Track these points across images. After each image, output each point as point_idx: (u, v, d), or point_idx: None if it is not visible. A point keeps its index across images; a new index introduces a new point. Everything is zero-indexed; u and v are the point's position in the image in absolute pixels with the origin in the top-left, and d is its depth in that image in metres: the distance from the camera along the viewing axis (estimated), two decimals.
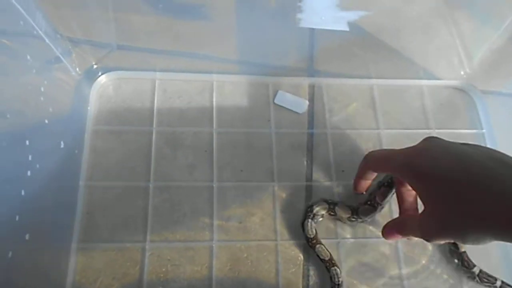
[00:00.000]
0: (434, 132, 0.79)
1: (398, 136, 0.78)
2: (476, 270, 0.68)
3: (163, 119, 0.74)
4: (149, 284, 0.64)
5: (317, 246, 0.67)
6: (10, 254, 0.45)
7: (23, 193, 0.47)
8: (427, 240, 0.51)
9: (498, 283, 0.67)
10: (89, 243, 0.65)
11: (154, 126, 0.73)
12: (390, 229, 0.58)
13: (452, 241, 0.55)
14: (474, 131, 0.80)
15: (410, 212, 0.60)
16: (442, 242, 0.61)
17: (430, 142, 0.53)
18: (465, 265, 0.68)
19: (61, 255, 0.61)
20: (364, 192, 0.68)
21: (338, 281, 0.65)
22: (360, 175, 0.64)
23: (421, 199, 0.51)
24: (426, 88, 0.83)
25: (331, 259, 0.66)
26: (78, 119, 0.69)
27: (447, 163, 0.48)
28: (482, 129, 0.80)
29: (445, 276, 0.69)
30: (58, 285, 0.60)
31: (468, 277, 0.69)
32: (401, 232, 0.56)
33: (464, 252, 0.69)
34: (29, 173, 0.49)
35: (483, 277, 0.68)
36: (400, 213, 0.62)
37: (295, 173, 0.73)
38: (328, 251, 0.66)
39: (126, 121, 0.73)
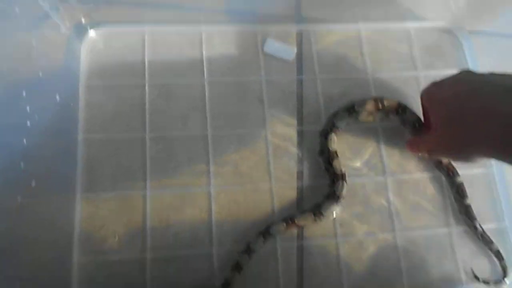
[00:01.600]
0: (422, 75, 0.81)
1: (386, 80, 0.80)
2: (467, 202, 0.72)
3: (154, 72, 0.75)
4: (153, 228, 0.67)
5: (335, 160, 0.70)
6: (19, 198, 0.47)
7: (25, 141, 0.49)
8: (430, 155, 0.67)
9: (478, 227, 0.71)
10: (92, 192, 0.68)
11: (146, 79, 0.74)
12: (409, 144, 0.70)
13: (447, 157, 0.68)
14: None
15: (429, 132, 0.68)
16: (440, 157, 0.71)
17: (457, 73, 0.63)
18: (459, 194, 0.72)
19: (66, 204, 0.64)
20: None
21: (339, 194, 0.69)
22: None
23: (432, 119, 0.64)
24: (413, 30, 0.84)
25: (343, 175, 0.70)
26: (71, 74, 0.70)
27: (455, 90, 0.59)
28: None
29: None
30: (66, 233, 0.63)
31: (459, 209, 0.73)
32: (416, 148, 0.69)
33: (462, 183, 0.72)
34: (28, 123, 0.51)
35: (470, 213, 0.71)
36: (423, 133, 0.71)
37: (286, 119, 0.76)
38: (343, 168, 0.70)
39: (118, 75, 0.74)
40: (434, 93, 0.64)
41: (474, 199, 0.73)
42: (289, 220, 0.68)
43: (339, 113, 0.73)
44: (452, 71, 0.80)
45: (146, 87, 0.74)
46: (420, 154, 0.74)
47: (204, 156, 0.71)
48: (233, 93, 0.76)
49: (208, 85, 0.76)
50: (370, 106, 0.73)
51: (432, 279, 0.70)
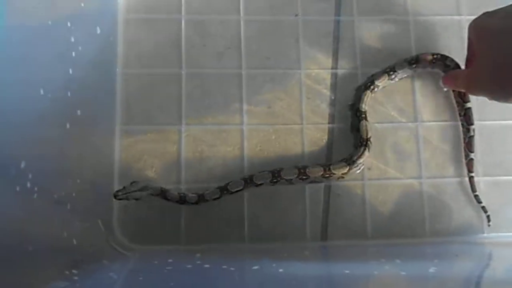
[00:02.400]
0: (465, 19, 0.77)
1: (427, 23, 0.77)
2: (472, 129, 0.72)
3: (191, 8, 0.75)
4: (187, 161, 0.70)
5: (362, 121, 0.70)
6: (67, 125, 0.50)
7: (70, 71, 0.51)
8: (468, 90, 0.63)
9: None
10: (130, 125, 0.70)
11: (183, 14, 0.74)
12: (447, 78, 0.68)
13: (486, 93, 0.60)
14: None
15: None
16: (477, 94, 0.66)
17: (510, 5, 0.59)
18: (466, 120, 0.72)
19: (107, 135, 0.67)
20: None
21: (360, 162, 0.69)
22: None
23: (477, 51, 0.60)
24: None
25: (368, 139, 0.69)
26: (110, 7, 0.71)
27: (508, 23, 0.55)
28: None
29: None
30: (108, 162, 0.67)
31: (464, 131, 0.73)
32: (453, 82, 0.67)
33: (470, 108, 0.72)
34: (73, 53, 0.52)
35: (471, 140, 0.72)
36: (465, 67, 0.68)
37: (321, 61, 0.75)
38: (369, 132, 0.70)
39: (156, 9, 0.74)
40: (485, 24, 0.59)
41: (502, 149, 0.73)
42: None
43: (377, 74, 0.73)
44: None
45: (183, 23, 0.74)
46: (455, 88, 0.71)
47: (238, 94, 0.73)
48: (269, 32, 0.75)
49: (244, 23, 0.75)
50: (407, 69, 0.72)
51: (454, 226, 0.72)
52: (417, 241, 0.71)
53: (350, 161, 0.69)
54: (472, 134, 0.72)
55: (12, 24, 0.40)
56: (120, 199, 0.61)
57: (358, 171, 0.70)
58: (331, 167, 0.68)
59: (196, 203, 0.66)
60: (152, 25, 0.74)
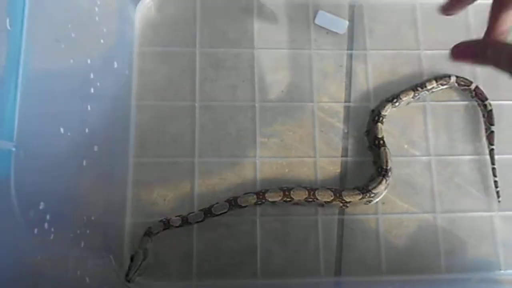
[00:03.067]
0: None
1: (439, 56, 0.77)
2: (488, 103, 0.74)
3: (205, 41, 0.75)
4: (200, 194, 0.70)
5: (382, 148, 0.70)
6: (84, 162, 0.50)
7: (89, 108, 0.51)
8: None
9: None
10: (143, 157, 0.70)
11: (197, 47, 0.75)
12: (463, 49, 0.45)
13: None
14: None
15: (496, 38, 0.52)
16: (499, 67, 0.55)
17: None
18: (479, 98, 0.74)
19: (121, 168, 0.67)
20: None
21: (375, 192, 0.68)
22: None
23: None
24: (471, 7, 0.79)
25: (388, 169, 0.69)
26: (126, 41, 0.71)
27: None
28: None
29: None
30: (121, 195, 0.67)
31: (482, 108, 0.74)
32: (477, 56, 0.49)
33: (491, 110, 0.74)
34: (92, 90, 0.52)
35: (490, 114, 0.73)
36: (486, 36, 0.54)
37: (334, 94, 0.75)
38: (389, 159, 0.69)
39: (170, 42, 0.75)
40: None
41: None
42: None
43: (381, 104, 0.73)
44: None
45: (197, 56, 0.75)
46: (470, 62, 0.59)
47: (251, 127, 0.73)
48: (282, 64, 0.76)
49: (258, 55, 0.76)
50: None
51: (470, 261, 0.70)
52: (433, 278, 0.69)
53: (364, 189, 0.68)
54: (490, 108, 0.73)
55: (35, 63, 0.40)
56: (134, 280, 0.60)
57: (371, 202, 0.69)
58: (342, 193, 0.67)
59: (180, 226, 0.65)
60: (166, 57, 0.74)
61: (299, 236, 0.69)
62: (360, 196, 0.68)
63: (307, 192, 0.67)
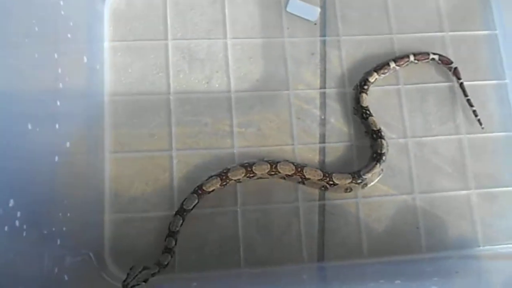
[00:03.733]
0: (448, 35, 0.79)
1: (411, 40, 0.78)
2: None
3: (177, 33, 0.75)
4: (180, 187, 0.69)
5: (369, 118, 0.71)
6: (56, 158, 0.49)
7: (58, 103, 0.51)
8: None
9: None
10: (119, 153, 0.69)
11: (169, 39, 0.74)
12: None
13: None
14: (488, 32, 0.80)
15: None
16: None
17: None
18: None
19: (97, 164, 0.66)
20: None
21: (381, 151, 0.69)
22: None
23: None
24: None
25: (380, 130, 0.70)
26: (96, 35, 0.70)
27: None
28: (495, 30, 0.80)
29: None
30: (98, 191, 0.66)
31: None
32: None
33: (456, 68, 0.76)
34: (61, 85, 0.51)
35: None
36: None
37: (309, 80, 0.76)
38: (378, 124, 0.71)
39: (142, 36, 0.74)
40: None
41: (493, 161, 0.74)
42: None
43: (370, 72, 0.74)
44: (480, 32, 0.80)
45: (169, 48, 0.74)
46: None
47: (227, 117, 0.72)
48: (256, 53, 0.75)
49: (231, 45, 0.75)
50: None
51: (450, 240, 0.72)
52: (414, 258, 0.70)
53: (355, 174, 0.68)
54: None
55: None
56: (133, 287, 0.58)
57: (362, 187, 0.70)
58: (333, 175, 0.68)
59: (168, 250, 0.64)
60: (138, 51, 0.74)
61: (280, 224, 0.70)
62: (350, 179, 0.68)
63: (294, 168, 0.67)
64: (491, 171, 0.74)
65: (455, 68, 0.76)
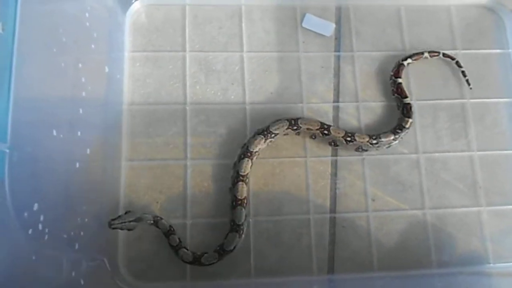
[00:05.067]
0: (461, 53, 0.80)
1: (425, 57, 0.79)
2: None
3: (195, 45, 0.77)
4: (193, 196, 0.70)
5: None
6: (77, 164, 0.50)
7: (81, 111, 0.52)
8: None
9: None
10: (135, 161, 0.71)
11: (187, 51, 0.76)
12: None
13: None
14: (501, 51, 0.81)
15: None
16: None
17: None
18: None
19: (113, 171, 0.67)
20: None
21: (405, 125, 0.72)
22: None
23: None
24: (454, 8, 0.83)
25: (411, 106, 0.72)
26: (117, 46, 0.72)
27: None
28: (508, 49, 0.81)
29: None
30: (113, 197, 0.67)
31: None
32: None
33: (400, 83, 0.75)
34: (84, 93, 0.53)
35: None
36: None
37: (323, 94, 0.77)
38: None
39: (160, 47, 0.76)
40: None
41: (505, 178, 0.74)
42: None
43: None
44: (493, 50, 0.81)
45: (187, 59, 0.76)
46: None
47: (242, 128, 0.73)
48: (271, 67, 0.77)
49: (247, 58, 0.77)
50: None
51: (460, 256, 0.72)
52: (424, 273, 0.70)
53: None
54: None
55: (27, 67, 0.41)
56: (114, 228, 0.60)
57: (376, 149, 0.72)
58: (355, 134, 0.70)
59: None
60: (157, 62, 0.75)
61: (291, 235, 0.70)
62: (368, 138, 0.71)
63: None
64: (502, 188, 0.74)
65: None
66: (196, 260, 0.64)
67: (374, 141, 0.72)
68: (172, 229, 0.65)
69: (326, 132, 0.71)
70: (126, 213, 0.63)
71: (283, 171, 0.73)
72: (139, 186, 0.70)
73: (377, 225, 0.72)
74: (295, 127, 0.71)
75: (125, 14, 0.76)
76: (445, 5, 0.82)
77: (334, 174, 0.74)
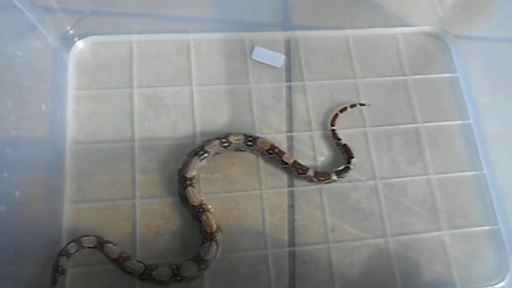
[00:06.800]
0: (410, 78, 0.81)
1: (375, 84, 0.80)
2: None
3: (142, 80, 0.75)
4: (142, 236, 0.66)
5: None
6: (2, 208, 0.47)
7: (7, 151, 0.49)
8: None
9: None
10: (80, 203, 0.67)
11: (135, 87, 0.74)
12: None
13: None
14: (449, 75, 0.83)
15: None
16: None
17: None
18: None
19: (54, 215, 0.63)
20: None
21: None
22: None
23: None
24: (401, 36, 0.85)
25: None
26: (59, 84, 0.70)
27: None
28: (456, 72, 0.83)
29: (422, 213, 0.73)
30: (55, 242, 0.63)
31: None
32: None
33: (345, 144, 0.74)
34: (13, 132, 0.50)
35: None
36: None
37: (276, 125, 0.76)
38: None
39: (107, 84, 0.74)
40: None
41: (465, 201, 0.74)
42: None
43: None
44: (440, 75, 0.82)
45: (134, 95, 0.74)
46: None
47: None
48: (222, 99, 0.76)
49: (197, 92, 0.76)
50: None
51: (426, 283, 0.69)
52: None
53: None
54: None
55: None
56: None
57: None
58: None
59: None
60: (103, 99, 0.74)
61: (249, 272, 0.67)
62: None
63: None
64: (463, 210, 0.74)
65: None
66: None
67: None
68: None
69: (250, 143, 0.70)
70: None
71: (238, 205, 0.70)
72: (84, 230, 0.65)
73: (339, 257, 0.69)
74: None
75: (68, 52, 0.74)
76: (392, 33, 0.84)
77: (292, 206, 0.71)
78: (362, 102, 0.77)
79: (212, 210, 0.67)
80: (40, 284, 0.58)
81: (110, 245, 0.63)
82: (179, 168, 0.69)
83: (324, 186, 0.72)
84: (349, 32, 0.83)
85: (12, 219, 0.49)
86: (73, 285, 0.62)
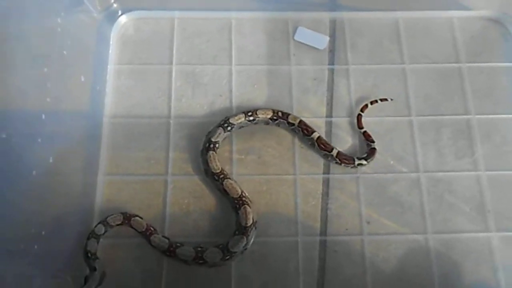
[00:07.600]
0: (465, 66, 0.75)
1: (425, 70, 0.75)
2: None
3: (182, 58, 0.75)
4: (172, 214, 0.66)
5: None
6: (34, 172, 0.47)
7: (43, 116, 0.50)
8: None
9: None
10: (114, 175, 0.68)
11: (174, 64, 0.74)
12: None
13: None
14: (509, 64, 0.76)
15: None
16: None
17: None
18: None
19: (88, 186, 0.64)
20: None
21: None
22: None
23: None
24: (457, 20, 0.79)
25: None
26: (100, 58, 0.71)
27: None
28: None
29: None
30: (87, 213, 0.64)
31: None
32: None
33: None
34: (48, 99, 0.51)
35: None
36: None
37: (315, 109, 0.73)
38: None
39: (147, 60, 0.74)
40: None
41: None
42: None
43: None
44: (500, 63, 0.75)
45: (173, 72, 0.74)
46: None
47: (227, 143, 0.70)
48: (261, 80, 0.74)
49: (236, 72, 0.74)
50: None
51: (467, 286, 0.64)
52: None
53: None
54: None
55: None
56: None
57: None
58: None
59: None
60: (143, 75, 0.74)
61: (277, 259, 0.65)
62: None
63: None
64: None
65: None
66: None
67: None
68: None
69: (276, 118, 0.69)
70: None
71: (270, 189, 0.68)
72: (116, 203, 0.66)
73: (373, 250, 0.65)
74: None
75: (111, 26, 0.75)
76: (447, 17, 0.78)
77: (326, 194, 0.68)
78: (384, 97, 0.72)
79: (250, 203, 0.65)
80: (64, 261, 0.59)
81: (137, 217, 0.63)
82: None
83: (362, 175, 0.69)
84: (399, 14, 0.78)
85: (45, 186, 0.50)
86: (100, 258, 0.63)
